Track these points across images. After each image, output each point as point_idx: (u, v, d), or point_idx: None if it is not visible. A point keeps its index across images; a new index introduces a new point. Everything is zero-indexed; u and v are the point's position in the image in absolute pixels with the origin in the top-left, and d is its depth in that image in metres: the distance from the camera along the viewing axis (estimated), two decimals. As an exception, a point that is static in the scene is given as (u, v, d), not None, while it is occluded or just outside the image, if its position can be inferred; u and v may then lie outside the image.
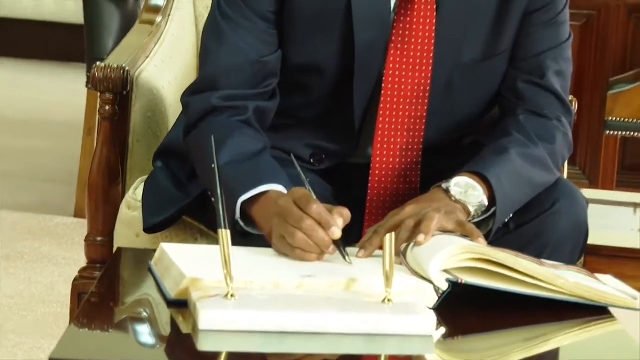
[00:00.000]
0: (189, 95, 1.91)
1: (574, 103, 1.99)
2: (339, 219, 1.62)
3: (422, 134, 1.91)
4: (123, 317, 1.56)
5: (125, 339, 1.49)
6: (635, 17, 4.32)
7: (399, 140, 1.91)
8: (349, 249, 1.67)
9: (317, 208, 1.62)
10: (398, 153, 1.91)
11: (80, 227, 2.37)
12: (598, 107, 3.85)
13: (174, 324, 1.49)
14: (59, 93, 6.08)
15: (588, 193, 1.95)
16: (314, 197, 1.66)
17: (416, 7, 1.85)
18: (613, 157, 3.89)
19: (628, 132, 3.85)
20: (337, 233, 1.61)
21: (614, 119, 3.80)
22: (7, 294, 3.16)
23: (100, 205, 2.16)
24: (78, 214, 3.88)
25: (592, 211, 1.88)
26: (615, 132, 3.83)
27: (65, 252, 3.46)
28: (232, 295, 1.43)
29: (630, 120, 3.81)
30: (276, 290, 1.52)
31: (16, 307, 3.09)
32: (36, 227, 3.82)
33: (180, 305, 1.49)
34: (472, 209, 1.76)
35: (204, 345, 1.39)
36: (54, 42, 7.01)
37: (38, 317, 3.02)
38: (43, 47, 7.08)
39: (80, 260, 2.17)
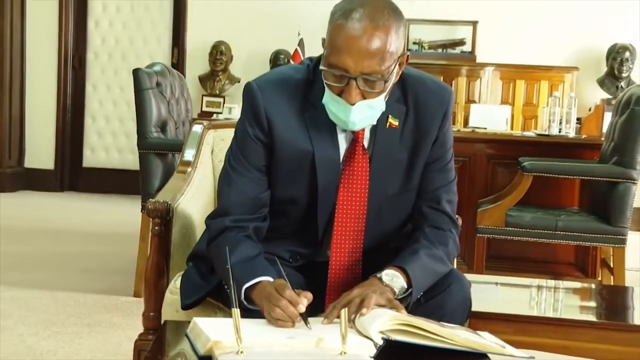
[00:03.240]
0: (210, 219, 2.00)
1: (459, 219, 2.06)
2: (304, 299, 1.70)
3: (362, 241, 1.97)
4: None
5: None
6: (493, 162, 4.57)
7: (347, 246, 1.96)
8: (315, 318, 1.74)
9: (289, 292, 1.71)
10: (347, 254, 1.96)
11: (138, 304, 2.32)
12: (472, 219, 4.00)
13: None
14: (122, 215, 6.28)
15: (469, 276, 2.01)
16: (288, 285, 1.74)
17: (356, 159, 1.93)
18: (482, 251, 4.05)
19: (491, 235, 4.05)
20: (302, 308, 1.68)
21: (482, 226, 4.01)
22: (89, 349, 3.25)
23: (152, 291, 2.21)
24: (137, 295, 4.01)
25: (473, 288, 1.96)
26: (483, 235, 4.03)
27: (129, 321, 3.51)
28: (241, 352, 1.51)
29: (492, 227, 4.01)
30: (270, 347, 1.58)
31: (96, 358, 3.13)
32: (108, 304, 3.92)
33: (207, 359, 1.55)
34: (396, 291, 1.82)
35: (224, 385, 1.49)
36: (120, 182, 7.36)
37: None
38: (112, 185, 7.45)
39: (139, 327, 2.24)
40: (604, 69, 6.86)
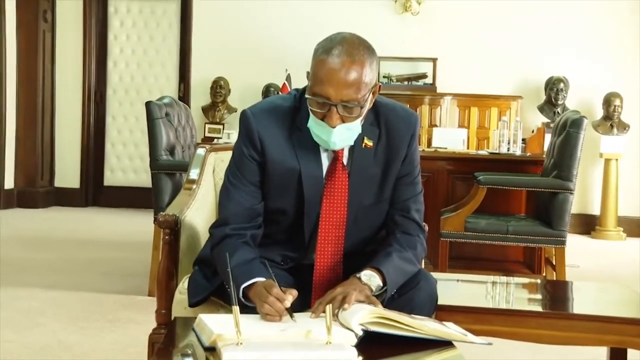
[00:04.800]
0: (213, 228, 1.99)
1: (425, 226, 2.05)
2: (290, 296, 1.70)
3: (343, 246, 1.96)
4: (178, 355, 1.63)
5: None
6: (452, 177, 4.59)
7: (329, 250, 1.95)
8: (303, 313, 1.74)
9: (276, 290, 1.71)
10: (330, 257, 1.95)
11: (152, 303, 2.25)
12: (437, 225, 4.00)
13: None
14: (137, 226, 6.26)
15: (435, 275, 2.01)
16: (276, 284, 1.73)
17: (337, 175, 1.93)
18: (445, 252, 4.05)
19: (452, 239, 4.06)
20: (287, 304, 1.68)
21: (445, 232, 4.03)
22: (110, 342, 3.24)
23: (164, 292, 2.18)
24: (150, 294, 3.99)
25: (438, 285, 1.95)
26: (446, 239, 4.04)
27: (144, 317, 3.49)
28: (240, 343, 1.51)
29: (453, 232, 4.02)
30: (265, 339, 1.58)
31: (116, 348, 3.14)
32: (126, 303, 3.90)
33: (211, 349, 1.56)
34: (373, 288, 1.81)
35: (225, 372, 1.48)
36: (135, 198, 7.30)
37: (129, 354, 3.05)
38: (129, 200, 7.39)
39: (153, 322, 2.20)
40: (543, 97, 6.87)
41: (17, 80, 7.17)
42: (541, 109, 6.84)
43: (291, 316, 1.68)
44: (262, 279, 1.78)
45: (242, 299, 1.78)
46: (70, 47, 7.46)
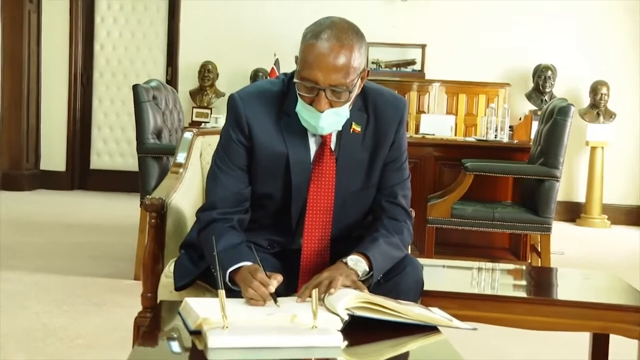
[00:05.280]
0: (200, 212, 1.97)
1: (412, 212, 2.04)
2: (274, 281, 1.70)
3: (330, 231, 1.95)
4: (164, 339, 1.64)
5: (166, 350, 1.57)
6: (440, 163, 4.60)
7: (316, 235, 1.94)
8: (289, 298, 1.74)
9: (261, 275, 1.71)
10: (316, 242, 1.94)
11: (137, 286, 2.24)
12: (423, 212, 4.03)
13: (193, 344, 1.54)
14: (123, 210, 6.25)
15: (421, 260, 2.00)
16: (261, 268, 1.73)
17: (324, 160, 1.92)
18: (431, 239, 4.06)
19: (439, 225, 4.07)
20: (272, 289, 1.68)
21: (431, 218, 4.04)
22: (95, 325, 3.24)
23: (150, 275, 2.16)
24: (136, 278, 3.99)
25: (424, 270, 1.95)
26: (432, 225, 4.05)
27: (130, 301, 3.47)
28: (226, 327, 1.50)
29: (440, 218, 4.03)
30: (251, 323, 1.57)
31: (101, 332, 3.15)
32: (112, 286, 3.91)
33: (197, 333, 1.55)
34: (360, 273, 1.81)
35: (211, 355, 1.46)
36: (122, 182, 7.28)
37: (114, 338, 3.06)
38: (115, 184, 7.37)
39: (138, 306, 2.18)
40: (531, 85, 6.89)
41: (2, 61, 7.10)
42: (529, 96, 6.86)
43: (275, 301, 1.67)
44: (249, 264, 1.78)
45: (229, 283, 1.77)
46: (57, 29, 7.39)
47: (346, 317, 1.62)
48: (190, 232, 2.10)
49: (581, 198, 6.93)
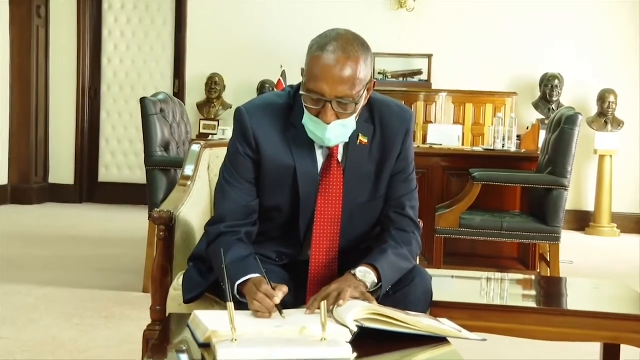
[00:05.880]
0: (208, 225, 1.97)
1: (420, 222, 2.04)
2: (279, 292, 1.70)
3: (338, 243, 1.95)
4: (173, 352, 1.64)
5: (175, 364, 1.60)
6: (447, 173, 4.59)
7: (325, 246, 1.94)
8: (298, 310, 1.74)
9: (265, 287, 1.71)
10: (325, 254, 1.94)
11: (146, 299, 2.23)
12: (432, 222, 4.01)
13: (202, 356, 1.54)
14: (132, 222, 6.24)
15: (430, 271, 1.99)
16: (266, 281, 1.73)
17: (332, 172, 1.92)
18: (440, 249, 4.05)
19: (447, 235, 4.07)
20: (277, 300, 1.68)
21: (440, 228, 4.04)
22: (105, 338, 3.25)
23: (158, 288, 2.17)
24: (145, 291, 3.99)
25: (433, 281, 1.94)
26: (441, 235, 4.05)
27: (139, 314, 3.51)
28: (235, 340, 1.51)
29: (448, 228, 4.03)
30: (260, 335, 1.58)
31: (111, 345, 3.15)
32: (121, 299, 3.91)
33: (206, 346, 1.55)
34: (368, 285, 1.80)
35: (220, 368, 1.48)
36: (130, 194, 7.31)
37: (124, 351, 3.06)
38: (124, 197, 7.41)
39: (147, 319, 2.19)
40: (538, 94, 6.88)
41: (11, 76, 7.15)
42: (536, 105, 6.85)
43: (280, 313, 1.67)
44: (256, 276, 1.78)
45: (237, 296, 1.78)
46: (65, 43, 7.44)
47: (355, 329, 1.61)
48: (198, 245, 2.10)
49: (590, 207, 6.90)
